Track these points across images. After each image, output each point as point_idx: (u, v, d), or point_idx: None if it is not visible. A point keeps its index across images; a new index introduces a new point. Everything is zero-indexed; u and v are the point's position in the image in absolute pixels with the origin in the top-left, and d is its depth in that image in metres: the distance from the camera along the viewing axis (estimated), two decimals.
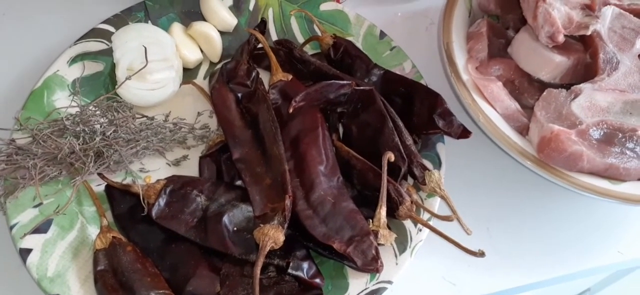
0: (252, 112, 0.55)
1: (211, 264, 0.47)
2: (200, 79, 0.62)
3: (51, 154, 0.49)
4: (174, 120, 0.56)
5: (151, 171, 0.55)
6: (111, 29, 0.60)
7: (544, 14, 0.53)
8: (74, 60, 0.57)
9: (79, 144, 0.49)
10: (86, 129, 0.50)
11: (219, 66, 0.61)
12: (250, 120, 0.55)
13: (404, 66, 0.61)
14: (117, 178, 0.53)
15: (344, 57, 0.60)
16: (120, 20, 0.60)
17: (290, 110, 0.51)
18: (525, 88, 0.57)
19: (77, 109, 0.53)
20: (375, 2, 0.72)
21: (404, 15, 0.72)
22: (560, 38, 0.53)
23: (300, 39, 0.65)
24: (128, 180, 0.53)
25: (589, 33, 0.53)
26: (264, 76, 0.59)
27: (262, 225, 0.46)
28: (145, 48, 0.55)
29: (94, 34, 0.59)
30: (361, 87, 0.53)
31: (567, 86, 0.57)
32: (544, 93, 0.53)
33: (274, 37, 0.65)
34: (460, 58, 0.56)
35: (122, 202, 0.51)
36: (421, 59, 0.64)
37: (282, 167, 0.49)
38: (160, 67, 0.56)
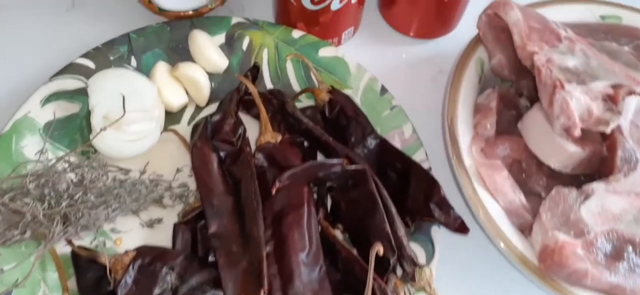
0: (235, 177, 0.51)
1: None
2: (184, 124, 0.57)
3: (12, 219, 0.45)
4: (150, 176, 0.52)
5: (123, 232, 0.51)
6: (90, 64, 0.55)
7: (562, 104, 0.48)
8: (47, 99, 0.53)
9: (43, 209, 0.46)
10: (52, 192, 0.46)
11: (204, 113, 0.57)
12: (232, 185, 0.51)
13: (403, 130, 0.57)
14: (87, 237, 0.50)
15: (340, 116, 0.55)
16: (100, 54, 0.56)
17: (273, 192, 0.46)
18: (533, 172, 0.53)
19: (47, 162, 0.49)
20: (378, 42, 0.67)
21: (410, 61, 0.67)
22: (577, 133, 0.48)
23: (296, 86, 0.60)
24: (99, 240, 0.50)
25: (608, 131, 0.48)
26: (255, 125, 0.55)
27: None
28: (124, 97, 0.51)
29: (71, 69, 0.55)
30: (353, 168, 0.49)
31: (578, 178, 0.52)
32: (553, 191, 0.48)
33: (268, 81, 0.60)
34: (464, 137, 0.51)
35: (89, 271, 0.48)
36: (424, 115, 0.59)
37: (260, 252, 0.45)
38: (139, 118, 0.52)
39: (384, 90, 0.58)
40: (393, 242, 0.47)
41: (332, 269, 0.49)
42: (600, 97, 0.49)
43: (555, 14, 0.60)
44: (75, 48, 0.58)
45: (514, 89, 0.58)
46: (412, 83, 0.65)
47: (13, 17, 0.64)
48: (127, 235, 0.51)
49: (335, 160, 0.49)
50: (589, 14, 0.62)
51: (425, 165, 0.54)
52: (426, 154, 0.55)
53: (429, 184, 0.50)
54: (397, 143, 0.56)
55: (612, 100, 0.49)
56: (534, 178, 0.52)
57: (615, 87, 0.50)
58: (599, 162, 0.51)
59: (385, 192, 0.50)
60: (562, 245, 0.45)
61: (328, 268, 0.49)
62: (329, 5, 0.58)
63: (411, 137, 0.56)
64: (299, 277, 0.45)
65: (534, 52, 0.51)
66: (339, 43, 0.64)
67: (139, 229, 0.51)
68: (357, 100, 0.59)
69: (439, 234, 0.51)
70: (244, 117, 0.57)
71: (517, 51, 0.53)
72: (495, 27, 0.55)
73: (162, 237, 0.51)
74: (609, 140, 0.50)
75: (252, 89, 0.55)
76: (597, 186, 0.48)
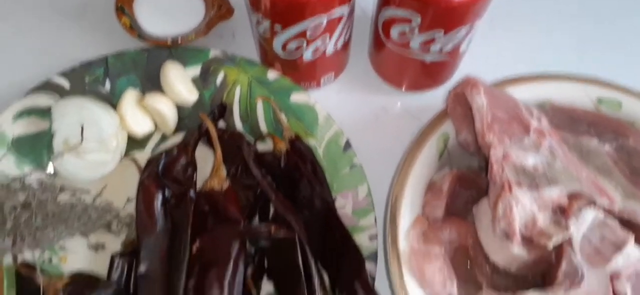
0: (175, 220, 0.52)
1: None
2: (149, 151, 0.59)
3: None
4: (102, 203, 0.54)
5: (70, 251, 0.54)
6: (65, 83, 0.58)
7: (505, 208, 0.46)
8: (20, 114, 0.56)
9: None
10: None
11: (170, 142, 0.59)
12: (171, 227, 0.52)
13: (358, 190, 0.56)
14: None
15: (293, 170, 0.55)
16: (76, 74, 0.58)
17: (194, 251, 0.47)
18: (479, 264, 0.50)
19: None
20: (363, 88, 0.65)
21: (393, 111, 0.64)
22: (516, 241, 0.45)
23: (264, 127, 0.60)
24: (44, 257, 0.53)
25: (550, 247, 0.45)
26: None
27: None
28: (82, 127, 0.53)
29: (47, 87, 0.57)
30: (281, 236, 0.49)
31: (526, 278, 0.50)
32: (482, 293, 0.46)
33: (237, 118, 0.60)
34: (405, 219, 0.50)
35: (29, 287, 0.51)
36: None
37: None
38: (96, 148, 0.54)
39: (347, 145, 0.57)
40: None
41: None
42: (550, 207, 0.46)
43: (547, 91, 0.57)
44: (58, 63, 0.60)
45: (479, 167, 0.55)
46: (391, 134, 0.63)
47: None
48: (73, 254, 0.54)
49: (263, 227, 0.49)
50: (585, 95, 0.57)
51: (371, 232, 0.54)
52: (375, 220, 0.54)
53: (358, 262, 0.49)
54: (349, 204, 0.56)
55: (563, 213, 0.46)
56: (479, 268, 0.50)
57: (572, 197, 0.47)
58: (547, 266, 0.48)
59: (312, 263, 0.49)
60: None
61: None
62: (301, 57, 0.57)
63: (364, 200, 0.55)
64: None
65: (491, 145, 0.48)
66: (317, 85, 0.64)
67: (86, 249, 0.54)
68: (320, 151, 0.58)
69: None
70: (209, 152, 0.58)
71: (477, 138, 0.50)
72: (464, 105, 0.53)
73: (107, 261, 0.53)
74: (557, 249, 0.47)
75: (212, 129, 0.55)
76: None
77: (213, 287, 0.48)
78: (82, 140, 0.52)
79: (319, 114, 0.59)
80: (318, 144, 0.58)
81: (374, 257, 0.52)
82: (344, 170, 0.57)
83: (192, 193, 0.53)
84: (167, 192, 0.53)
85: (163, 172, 0.54)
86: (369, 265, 0.51)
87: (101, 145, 0.54)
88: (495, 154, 0.47)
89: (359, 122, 0.63)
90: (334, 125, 0.58)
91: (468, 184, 0.53)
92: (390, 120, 0.64)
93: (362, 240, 0.53)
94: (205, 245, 0.49)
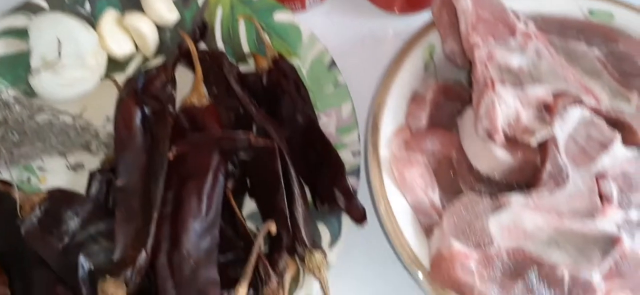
0: (155, 136, 0.51)
1: None
2: (129, 74, 0.58)
3: None
4: (80, 122, 0.54)
5: (49, 172, 0.53)
6: (44, 4, 0.57)
7: (488, 106, 0.44)
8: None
9: None
10: None
11: (151, 65, 0.58)
12: (150, 143, 0.51)
13: (342, 108, 0.54)
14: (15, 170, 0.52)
15: (276, 88, 0.54)
16: None
17: (170, 157, 0.46)
18: (463, 173, 0.49)
19: None
20: (350, 11, 0.64)
21: (379, 35, 0.63)
22: (498, 139, 0.44)
23: (246, 48, 0.59)
24: (23, 175, 0.52)
25: (534, 144, 0.44)
26: None
27: (107, 277, 0.44)
28: (59, 42, 0.52)
29: (26, 7, 0.56)
30: (260, 144, 0.48)
31: (511, 186, 0.48)
32: (463, 197, 0.45)
33: (220, 40, 0.59)
34: (387, 127, 0.49)
35: (5, 203, 0.50)
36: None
37: (151, 212, 0.46)
38: (73, 64, 0.53)
39: (332, 64, 0.56)
40: (289, 223, 0.46)
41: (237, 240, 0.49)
42: (534, 105, 0.45)
43: (538, 4, 0.55)
44: None
45: (467, 82, 0.54)
46: (375, 59, 0.61)
47: None
48: (52, 174, 0.53)
49: (241, 134, 0.48)
50: (576, 7, 0.56)
51: (354, 148, 0.52)
52: (359, 137, 0.53)
53: (338, 169, 0.48)
54: (333, 121, 0.54)
55: (547, 110, 0.44)
56: (463, 178, 0.49)
57: (558, 95, 0.45)
58: (533, 171, 0.47)
59: (292, 172, 0.48)
60: (454, 255, 0.42)
61: (232, 241, 0.49)
62: None
63: (348, 118, 0.54)
64: (186, 242, 0.45)
65: (475, 45, 0.47)
66: (302, 8, 0.62)
67: (65, 170, 0.53)
68: (304, 71, 0.57)
69: (350, 220, 0.49)
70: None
71: (462, 41, 0.49)
72: (451, 12, 0.51)
73: (86, 182, 0.53)
74: (542, 152, 0.46)
75: (191, 46, 0.54)
76: (515, 199, 0.45)
77: (191, 198, 0.47)
78: (59, 56, 0.51)
79: (303, 33, 0.57)
80: (302, 64, 0.57)
81: (356, 172, 0.51)
82: (328, 88, 0.55)
83: (171, 108, 0.52)
84: (146, 110, 0.52)
85: (142, 90, 0.53)
86: (351, 180, 0.50)
87: (79, 61, 0.53)
88: (479, 54, 0.46)
89: (346, 45, 0.62)
90: (318, 44, 0.57)
91: (453, 96, 0.52)
92: (378, 44, 0.63)
93: (345, 156, 0.52)
94: (183, 154, 0.48)
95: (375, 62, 0.61)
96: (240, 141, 0.48)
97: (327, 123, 0.54)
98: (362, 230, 0.50)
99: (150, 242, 0.44)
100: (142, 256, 0.44)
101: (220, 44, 0.59)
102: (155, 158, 0.49)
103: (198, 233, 0.46)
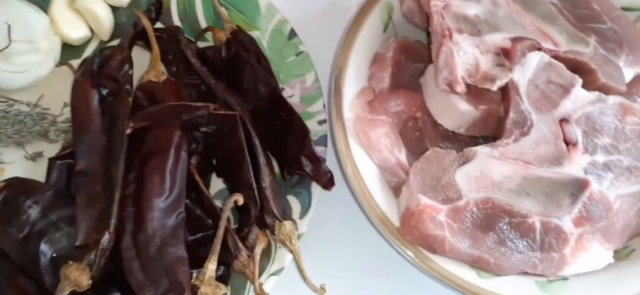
0: (113, 115, 0.50)
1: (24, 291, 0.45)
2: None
3: None
4: (36, 109, 0.52)
5: (6, 163, 0.52)
6: None
7: (447, 56, 0.44)
8: None
9: None
10: None
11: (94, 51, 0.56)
12: (109, 124, 0.50)
13: (306, 78, 0.54)
14: None
15: (236, 59, 0.53)
16: None
17: (127, 132, 0.45)
18: (428, 131, 0.49)
19: None
20: None
21: (335, 6, 0.62)
22: (459, 89, 0.44)
23: (203, 23, 0.57)
24: None
25: (494, 89, 0.43)
26: None
27: (70, 262, 0.42)
28: (9, 26, 0.50)
29: None
30: (222, 112, 0.47)
31: (477, 140, 0.48)
32: (428, 152, 0.45)
33: (176, 17, 0.58)
34: (351, 89, 0.48)
35: None
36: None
37: (113, 194, 0.44)
38: (25, 49, 0.51)
39: (292, 34, 0.55)
40: (256, 195, 0.46)
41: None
42: (492, 51, 0.44)
43: None
44: None
45: (428, 41, 0.53)
46: (337, 27, 0.60)
47: None
48: (11, 166, 0.51)
49: (199, 104, 0.47)
50: None
51: (320, 117, 0.52)
52: (324, 105, 0.52)
53: (303, 135, 0.47)
54: (297, 91, 0.54)
55: (506, 55, 0.44)
56: (428, 138, 0.49)
57: (516, 40, 0.45)
58: (497, 123, 0.47)
59: (257, 141, 0.47)
60: (422, 209, 0.42)
61: (202, 221, 0.48)
62: None
63: (312, 86, 0.53)
64: (151, 221, 0.44)
65: None
66: None
67: (23, 161, 0.52)
68: (264, 43, 0.56)
69: (319, 188, 0.49)
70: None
71: None
72: None
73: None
74: (505, 100, 0.46)
75: (147, 24, 0.53)
76: (481, 150, 0.44)
77: (154, 176, 0.46)
78: (9, 41, 0.50)
79: (261, 4, 0.56)
80: (262, 35, 0.56)
81: (323, 140, 0.51)
82: (289, 58, 0.55)
83: (128, 87, 0.50)
84: (103, 92, 0.51)
85: (98, 71, 0.51)
86: (319, 149, 0.49)
87: (31, 45, 0.51)
88: (435, 5, 0.45)
89: (307, 15, 0.61)
90: (277, 14, 0.56)
91: (414, 56, 0.51)
92: (339, 12, 0.62)
93: (311, 126, 0.51)
94: (143, 130, 0.47)
95: (337, 30, 0.60)
96: (199, 109, 0.47)
97: (291, 94, 0.54)
98: (333, 198, 0.50)
99: (113, 223, 0.43)
100: (106, 238, 0.43)
101: (177, 22, 0.58)
102: (115, 138, 0.47)
103: (163, 211, 0.45)
